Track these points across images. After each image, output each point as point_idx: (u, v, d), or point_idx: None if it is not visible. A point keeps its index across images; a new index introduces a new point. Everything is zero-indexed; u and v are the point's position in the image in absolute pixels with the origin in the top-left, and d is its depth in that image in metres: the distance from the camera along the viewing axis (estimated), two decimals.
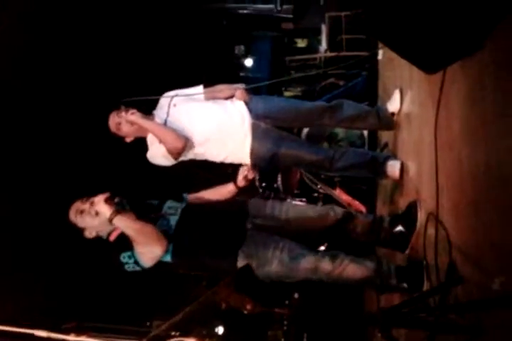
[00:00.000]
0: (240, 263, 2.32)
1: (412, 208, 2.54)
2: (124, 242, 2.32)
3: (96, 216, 2.35)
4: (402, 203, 2.78)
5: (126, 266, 2.31)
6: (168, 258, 2.36)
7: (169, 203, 2.55)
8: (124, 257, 2.30)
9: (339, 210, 2.61)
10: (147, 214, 2.44)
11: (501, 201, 1.54)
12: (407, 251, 2.51)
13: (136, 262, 2.30)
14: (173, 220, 2.43)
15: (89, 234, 2.43)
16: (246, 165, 2.80)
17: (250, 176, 2.69)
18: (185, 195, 2.70)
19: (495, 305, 1.41)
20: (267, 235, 2.41)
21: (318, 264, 2.30)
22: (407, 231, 2.49)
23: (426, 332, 1.71)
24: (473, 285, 1.69)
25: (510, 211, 1.47)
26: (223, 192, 2.70)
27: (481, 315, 1.55)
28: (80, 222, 2.40)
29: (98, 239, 2.45)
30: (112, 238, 2.39)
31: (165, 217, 2.45)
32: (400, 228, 2.51)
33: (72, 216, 2.41)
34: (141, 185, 2.85)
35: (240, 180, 2.68)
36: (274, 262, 2.30)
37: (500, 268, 1.51)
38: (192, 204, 2.60)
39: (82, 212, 2.39)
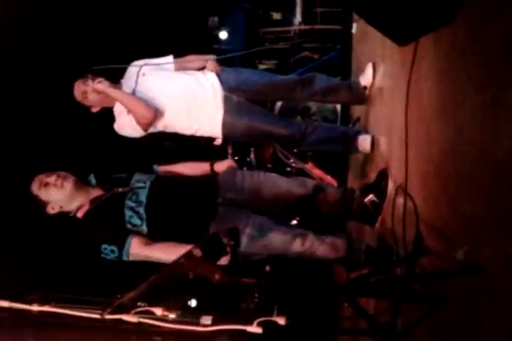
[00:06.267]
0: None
1: (383, 177, 2.56)
2: (94, 219, 2.28)
3: (61, 188, 2.32)
4: (373, 177, 2.80)
5: (103, 255, 2.26)
6: (144, 228, 2.30)
7: (137, 176, 2.48)
8: (106, 249, 2.24)
9: (310, 182, 2.61)
10: (115, 188, 2.39)
11: (467, 175, 1.55)
12: (376, 225, 2.54)
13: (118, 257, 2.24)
14: (143, 195, 2.35)
15: (52, 209, 2.37)
16: (218, 138, 2.76)
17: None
18: (155, 166, 2.64)
19: (458, 274, 1.44)
20: (237, 211, 2.37)
21: (288, 246, 2.28)
22: (379, 199, 2.50)
23: (392, 301, 1.75)
24: (439, 255, 1.72)
25: (475, 184, 1.49)
26: (196, 170, 2.62)
27: (445, 285, 1.58)
28: (43, 195, 2.34)
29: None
30: (80, 214, 2.34)
31: (134, 191, 2.38)
32: (371, 197, 2.52)
33: (35, 188, 2.35)
34: (108, 159, 2.77)
35: (220, 167, 2.59)
36: (244, 239, 2.23)
37: (465, 239, 1.53)
38: (161, 177, 2.53)
39: (46, 184, 2.33)
